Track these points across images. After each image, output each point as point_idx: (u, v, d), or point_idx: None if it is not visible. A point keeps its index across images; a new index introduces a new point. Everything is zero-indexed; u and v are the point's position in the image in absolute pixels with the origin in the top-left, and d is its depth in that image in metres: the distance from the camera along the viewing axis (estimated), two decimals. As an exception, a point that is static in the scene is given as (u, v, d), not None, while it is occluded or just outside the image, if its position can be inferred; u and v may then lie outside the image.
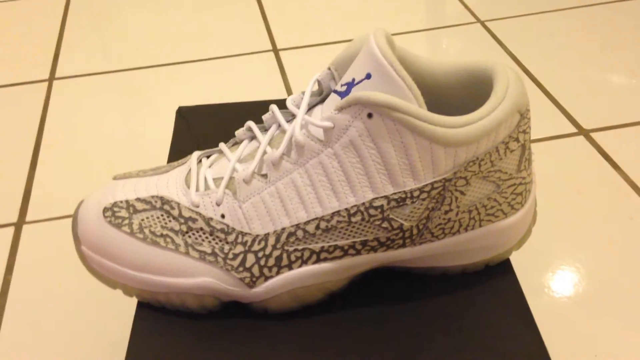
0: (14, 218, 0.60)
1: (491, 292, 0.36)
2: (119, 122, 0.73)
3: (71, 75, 0.81)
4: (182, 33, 0.89)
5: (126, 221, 0.35)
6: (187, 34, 0.88)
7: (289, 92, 0.75)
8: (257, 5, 0.94)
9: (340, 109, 0.32)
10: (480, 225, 0.35)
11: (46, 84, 0.79)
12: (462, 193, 0.34)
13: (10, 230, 0.59)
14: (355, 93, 0.32)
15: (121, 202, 0.36)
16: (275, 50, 0.84)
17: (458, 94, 0.36)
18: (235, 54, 0.84)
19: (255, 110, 0.51)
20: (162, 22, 0.91)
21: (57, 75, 0.81)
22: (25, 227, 0.59)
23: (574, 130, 0.67)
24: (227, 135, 0.44)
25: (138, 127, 0.71)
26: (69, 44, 0.87)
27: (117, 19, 0.93)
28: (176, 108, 0.54)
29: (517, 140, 0.34)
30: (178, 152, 0.48)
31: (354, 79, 0.33)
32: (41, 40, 0.88)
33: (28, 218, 0.60)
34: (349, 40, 0.85)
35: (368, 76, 0.32)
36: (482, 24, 0.87)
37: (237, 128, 0.40)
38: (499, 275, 0.37)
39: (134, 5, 0.96)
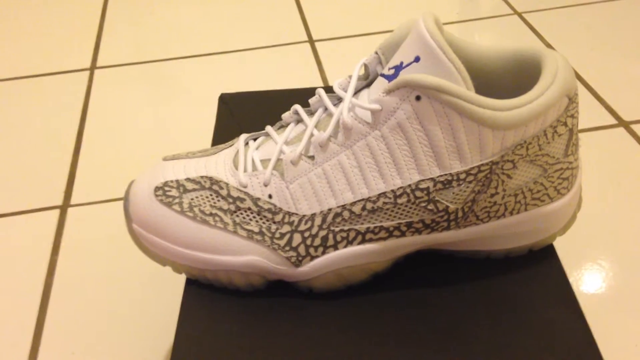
0: (59, 201, 0.62)
1: (535, 277, 0.36)
2: (159, 109, 0.74)
3: (112, 64, 0.82)
4: (219, 24, 0.90)
5: (176, 200, 0.36)
6: (223, 25, 0.89)
7: (325, 82, 0.76)
8: (292, -3, 0.95)
9: (389, 92, 0.33)
10: (525, 209, 0.35)
11: (88, 72, 0.81)
12: (508, 176, 0.34)
13: (56, 212, 0.61)
14: (404, 76, 0.32)
15: (172, 181, 0.37)
16: (311, 41, 0.84)
17: (505, 78, 0.36)
18: (271, 45, 0.84)
19: (296, 98, 0.51)
20: (200, 13, 0.93)
21: (98, 64, 0.83)
22: (69, 210, 0.61)
23: (614, 121, 0.66)
24: (269, 121, 0.45)
25: (178, 115, 0.73)
26: (109, 34, 0.89)
27: (157, 10, 0.94)
28: (214, 97, 0.55)
29: (565, 124, 0.34)
30: (221, 137, 0.49)
31: (402, 62, 0.33)
32: (82, 31, 0.90)
33: (72, 201, 0.62)
34: (384, 32, 0.85)
35: (417, 59, 0.33)
36: (520, 15, 0.86)
37: (279, 114, 0.41)
38: (542, 260, 0.37)
39: (171, -4, 0.98)
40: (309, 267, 0.35)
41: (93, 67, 0.82)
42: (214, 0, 0.95)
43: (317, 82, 0.76)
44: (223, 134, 0.49)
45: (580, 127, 0.66)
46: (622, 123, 0.66)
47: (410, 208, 0.34)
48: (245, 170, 0.36)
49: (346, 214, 0.34)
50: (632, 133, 0.64)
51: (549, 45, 0.80)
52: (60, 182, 0.64)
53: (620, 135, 0.64)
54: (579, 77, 0.73)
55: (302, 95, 0.50)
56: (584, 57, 0.77)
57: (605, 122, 0.66)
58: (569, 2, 0.88)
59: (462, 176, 0.33)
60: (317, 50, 0.82)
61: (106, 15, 0.93)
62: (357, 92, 0.36)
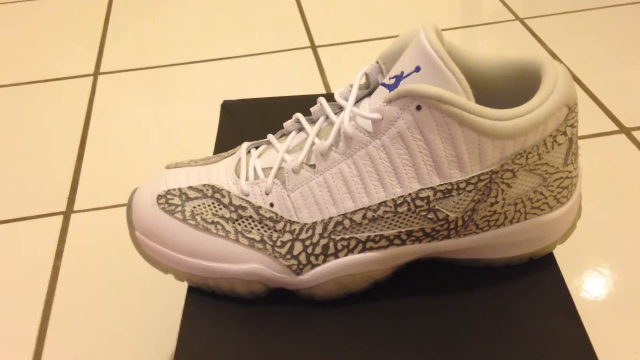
0: (62, 207, 0.62)
1: (535, 285, 0.37)
2: (162, 115, 0.75)
3: (115, 70, 0.83)
4: (221, 30, 0.90)
5: (179, 208, 0.36)
6: (225, 31, 0.90)
7: (327, 89, 0.76)
8: (295, 3, 0.95)
9: (389, 101, 0.33)
10: (525, 218, 0.35)
11: (91, 78, 0.82)
12: (508, 185, 0.34)
13: (59, 218, 0.61)
14: (405, 85, 0.32)
15: (174, 190, 0.37)
16: (313, 47, 0.85)
17: (505, 88, 0.36)
18: (273, 51, 0.85)
19: (298, 105, 0.51)
20: (203, 19, 0.93)
21: (101, 70, 0.83)
22: (73, 216, 0.61)
23: (615, 128, 0.66)
24: (271, 128, 0.45)
25: (180, 121, 0.73)
26: (112, 40, 0.89)
27: (160, 16, 0.95)
28: (216, 103, 0.55)
29: (564, 133, 0.34)
30: (224, 144, 0.49)
31: (402, 72, 0.34)
32: (86, 36, 0.91)
33: (76, 207, 0.62)
34: (386, 38, 0.85)
35: (417, 69, 0.33)
36: (521, 21, 0.86)
37: (281, 121, 0.41)
38: (542, 268, 0.37)
39: (176, 2, 0.98)
40: (310, 275, 0.36)
41: (96, 73, 0.83)
42: (216, 7, 0.96)
43: (319, 88, 0.76)
44: (225, 141, 0.50)
45: (581, 133, 0.66)
46: (623, 129, 0.66)
47: (411, 217, 0.34)
48: (247, 179, 0.37)
49: (347, 222, 0.35)
50: (633, 139, 0.65)
51: (550, 51, 0.80)
52: (64, 188, 0.65)
53: (621, 142, 0.64)
54: (579, 83, 0.73)
55: (304, 103, 0.50)
56: (585, 62, 0.77)
57: (606, 128, 0.66)
58: (571, 8, 0.88)
59: (462, 185, 0.33)
60: (319, 56, 0.83)
61: (109, 21, 0.94)
62: (358, 101, 0.37)
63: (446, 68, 0.32)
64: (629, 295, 0.49)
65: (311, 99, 0.50)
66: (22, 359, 0.48)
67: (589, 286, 0.50)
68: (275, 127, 0.45)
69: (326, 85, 0.77)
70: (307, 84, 0.78)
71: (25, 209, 0.62)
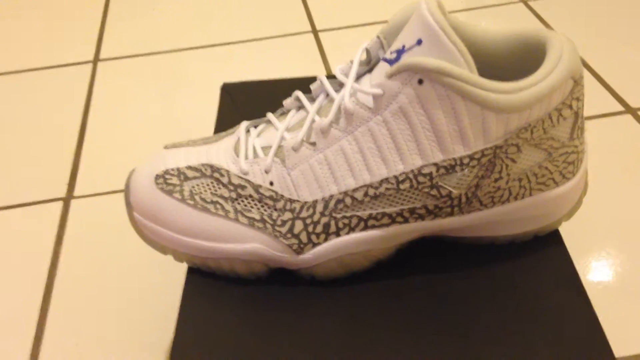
0: (62, 193, 0.62)
1: (541, 263, 0.36)
2: (162, 101, 0.74)
3: (115, 56, 0.82)
4: (221, 15, 0.89)
5: (177, 188, 0.36)
6: (226, 16, 0.89)
7: (328, 73, 0.76)
8: (295, -13, 0.94)
9: (391, 76, 0.32)
10: (530, 194, 0.35)
11: (91, 65, 0.81)
12: (512, 161, 0.33)
13: (59, 204, 0.61)
14: (406, 59, 0.32)
15: (172, 169, 0.37)
16: (315, 32, 0.84)
17: (509, 61, 0.35)
18: (274, 36, 0.84)
19: (298, 86, 0.51)
20: (203, 4, 0.92)
21: (101, 56, 0.82)
22: (73, 202, 0.61)
23: (621, 108, 0.65)
24: (271, 110, 0.45)
25: (181, 106, 0.73)
26: (112, 27, 0.89)
27: (159, 2, 0.94)
28: (217, 89, 0.54)
29: (570, 107, 0.33)
30: (223, 127, 0.49)
31: (404, 46, 0.33)
32: (85, 23, 0.90)
33: (75, 193, 0.62)
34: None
35: (419, 42, 0.32)
36: (525, 3, 0.85)
37: (281, 103, 0.40)
38: (548, 245, 0.37)
39: (174, -12, 0.97)
40: (311, 254, 0.35)
41: (96, 60, 0.82)
42: (216, -8, 0.95)
43: (320, 72, 0.76)
44: (225, 124, 0.49)
45: (586, 114, 0.65)
46: (629, 110, 0.65)
47: (413, 194, 0.33)
48: (246, 158, 0.36)
49: (348, 200, 0.34)
50: (640, 120, 0.64)
51: (554, 33, 0.79)
52: (64, 174, 0.64)
53: (627, 122, 0.64)
54: (585, 64, 0.72)
55: (305, 84, 0.49)
56: (590, 43, 0.76)
57: (612, 109, 0.66)
58: (575, -11, 0.87)
59: (466, 161, 0.33)
60: (320, 41, 0.82)
61: (109, 7, 0.93)
62: (359, 77, 0.36)
63: (448, 40, 0.31)
64: (636, 273, 0.49)
65: (311, 81, 0.49)
66: (23, 344, 0.48)
67: (596, 264, 0.49)
68: (275, 108, 0.44)
69: (328, 70, 0.76)
70: (308, 69, 0.77)
71: (25, 195, 0.62)
